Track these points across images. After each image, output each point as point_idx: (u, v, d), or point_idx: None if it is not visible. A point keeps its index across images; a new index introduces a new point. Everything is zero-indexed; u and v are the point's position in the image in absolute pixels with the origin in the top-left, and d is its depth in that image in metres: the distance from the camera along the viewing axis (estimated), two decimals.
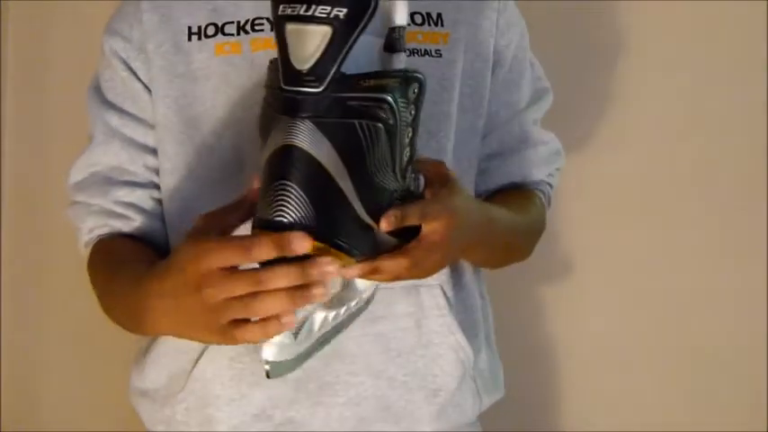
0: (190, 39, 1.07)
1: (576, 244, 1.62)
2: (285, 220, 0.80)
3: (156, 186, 1.12)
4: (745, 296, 1.59)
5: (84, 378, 1.69)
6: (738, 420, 1.60)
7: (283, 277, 0.80)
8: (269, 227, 0.81)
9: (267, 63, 0.94)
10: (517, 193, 1.20)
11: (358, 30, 0.82)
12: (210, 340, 0.87)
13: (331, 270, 0.81)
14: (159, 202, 1.12)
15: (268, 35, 1.06)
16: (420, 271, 0.92)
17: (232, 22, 1.07)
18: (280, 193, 0.81)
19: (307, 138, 0.81)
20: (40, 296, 1.70)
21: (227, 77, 1.06)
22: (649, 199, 1.60)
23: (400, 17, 0.87)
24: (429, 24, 1.11)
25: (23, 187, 1.68)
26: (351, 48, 0.82)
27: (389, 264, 0.88)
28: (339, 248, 0.83)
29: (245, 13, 1.07)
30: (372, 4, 0.82)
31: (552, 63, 1.28)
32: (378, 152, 0.85)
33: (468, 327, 1.12)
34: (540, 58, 1.26)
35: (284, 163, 0.81)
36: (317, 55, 0.81)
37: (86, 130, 1.15)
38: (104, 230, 1.12)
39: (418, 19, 1.11)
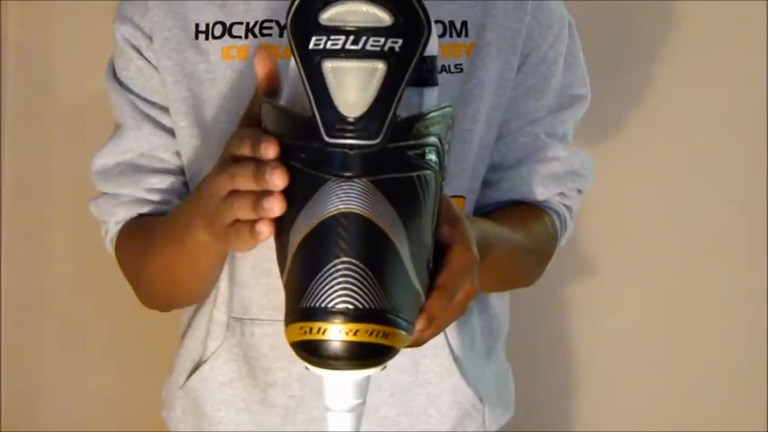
0: (197, 37, 1.00)
1: (580, 246, 1.62)
2: (353, 306, 0.67)
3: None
4: (746, 296, 1.59)
5: (84, 378, 1.69)
6: (738, 420, 1.60)
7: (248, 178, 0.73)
8: (329, 317, 0.67)
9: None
10: (521, 211, 1.06)
11: (413, 63, 0.69)
12: (216, 241, 0.81)
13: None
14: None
15: (277, 42, 0.97)
16: (439, 329, 0.81)
17: (241, 23, 0.99)
18: (341, 274, 0.68)
19: (366, 202, 0.69)
20: (40, 296, 1.69)
21: (232, 85, 0.98)
22: (648, 200, 1.60)
23: (432, 45, 0.73)
24: (451, 35, 0.99)
25: (23, 187, 1.68)
26: (406, 86, 0.69)
27: (422, 338, 0.76)
28: (402, 328, 0.70)
29: (255, 14, 0.99)
30: (427, 28, 0.70)
31: None
32: (428, 205, 0.73)
33: (468, 360, 1.05)
34: None
35: (342, 236, 0.68)
36: (372, 98, 0.68)
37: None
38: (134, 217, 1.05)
39: (439, 29, 0.96)
